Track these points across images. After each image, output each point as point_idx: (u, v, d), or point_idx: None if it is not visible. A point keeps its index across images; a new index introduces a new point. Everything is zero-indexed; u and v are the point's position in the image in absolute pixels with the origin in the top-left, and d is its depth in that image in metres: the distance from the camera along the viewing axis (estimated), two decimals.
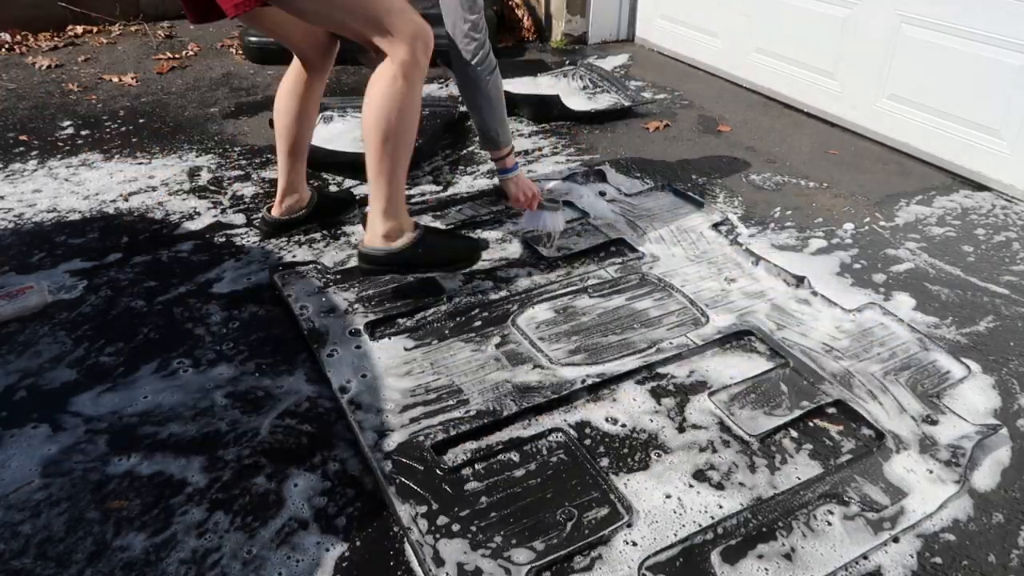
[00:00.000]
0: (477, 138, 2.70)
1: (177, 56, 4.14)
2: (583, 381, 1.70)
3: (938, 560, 1.33)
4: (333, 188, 2.65)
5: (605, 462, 1.51)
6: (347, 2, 1.70)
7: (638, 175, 2.80)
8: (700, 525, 1.37)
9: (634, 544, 1.33)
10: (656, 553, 1.31)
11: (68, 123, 3.20)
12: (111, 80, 3.73)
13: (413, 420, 1.59)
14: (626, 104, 3.39)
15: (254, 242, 2.30)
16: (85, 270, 2.15)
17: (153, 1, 4.84)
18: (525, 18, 4.54)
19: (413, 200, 2.56)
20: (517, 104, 3.27)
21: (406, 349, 1.82)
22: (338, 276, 2.10)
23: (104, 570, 1.29)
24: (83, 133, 3.10)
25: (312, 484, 1.46)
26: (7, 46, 4.22)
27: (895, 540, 1.36)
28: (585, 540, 1.33)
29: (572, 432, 1.58)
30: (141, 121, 3.24)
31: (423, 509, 1.39)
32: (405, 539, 1.35)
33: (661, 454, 1.53)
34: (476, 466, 1.49)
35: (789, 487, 1.46)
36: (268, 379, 1.74)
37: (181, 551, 1.32)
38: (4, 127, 3.14)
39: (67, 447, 1.53)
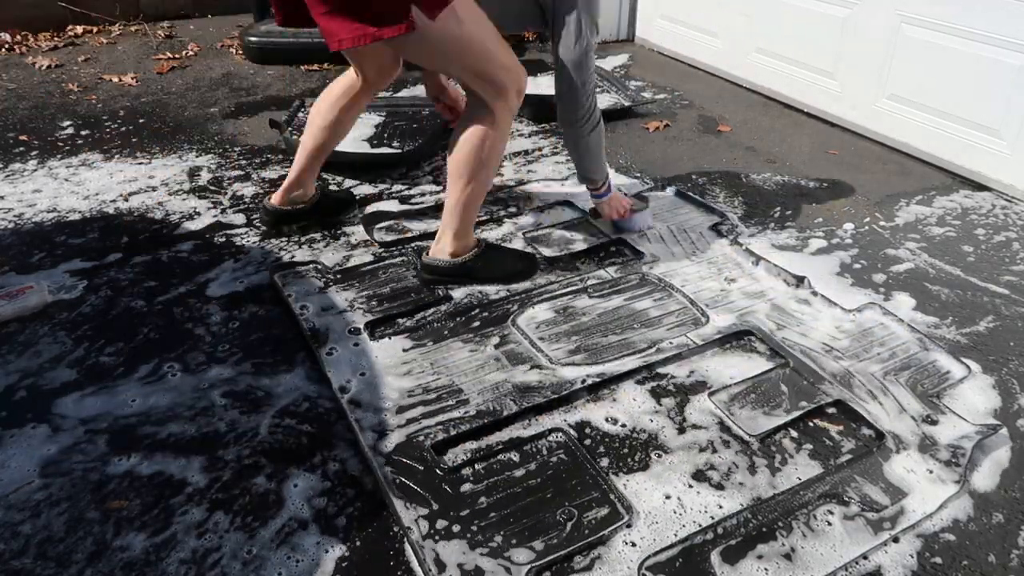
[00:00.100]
0: None
1: (177, 56, 4.14)
2: (583, 381, 1.70)
3: (938, 560, 1.33)
4: (333, 188, 2.65)
5: (605, 462, 1.51)
6: (451, 50, 1.74)
7: (638, 175, 2.80)
8: (700, 525, 1.37)
9: (634, 544, 1.33)
10: (656, 553, 1.31)
11: (68, 123, 3.20)
12: (111, 80, 3.73)
13: (413, 420, 1.59)
14: (626, 104, 3.39)
15: (254, 242, 2.30)
16: (85, 270, 2.15)
17: (153, 1, 4.84)
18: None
19: (413, 200, 2.56)
20: None
21: (405, 349, 1.82)
22: (338, 276, 2.10)
23: (104, 570, 1.29)
24: (83, 133, 3.10)
25: (312, 484, 1.46)
26: (7, 46, 4.22)
27: (895, 540, 1.36)
28: (585, 540, 1.33)
29: (572, 432, 1.58)
30: (141, 121, 3.24)
31: (423, 509, 1.39)
32: (405, 539, 1.35)
33: (661, 454, 1.53)
34: (476, 466, 1.49)
35: (789, 487, 1.45)
36: (268, 379, 1.74)
37: (181, 551, 1.32)
38: (4, 127, 3.14)
39: (67, 447, 1.53)
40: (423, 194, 2.61)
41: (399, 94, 3.63)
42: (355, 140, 2.93)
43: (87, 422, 1.60)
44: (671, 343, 1.83)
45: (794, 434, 1.59)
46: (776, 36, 3.51)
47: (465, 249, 2.02)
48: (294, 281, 2.06)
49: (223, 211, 2.49)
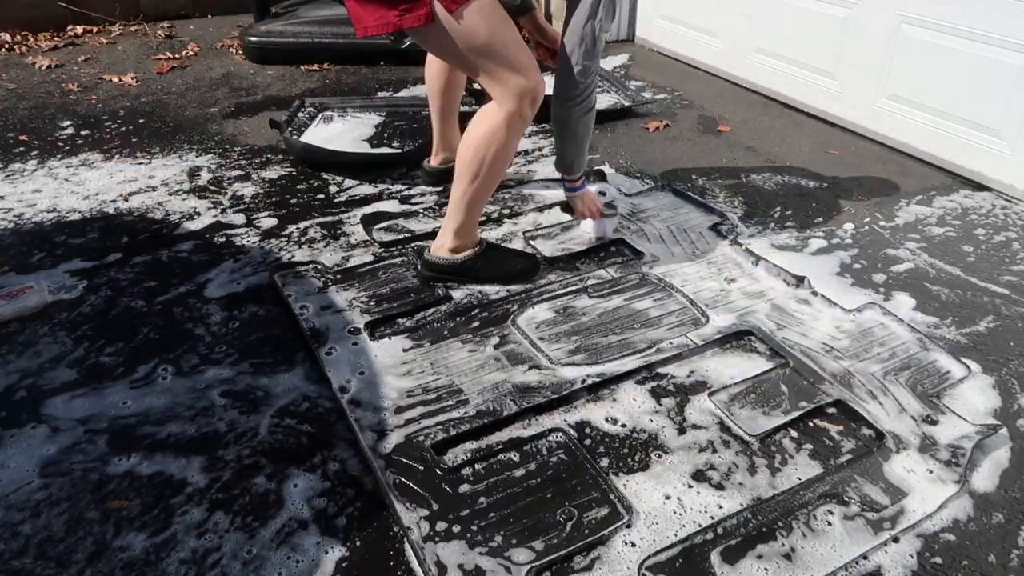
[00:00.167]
0: None
1: (177, 56, 4.14)
2: (583, 381, 1.70)
3: (938, 560, 1.33)
4: (333, 188, 2.65)
5: (605, 462, 1.51)
6: (468, 46, 1.75)
7: (638, 175, 2.80)
8: (700, 525, 1.37)
9: (634, 544, 1.33)
10: (656, 553, 1.31)
11: (68, 123, 3.20)
12: (111, 80, 3.73)
13: (413, 420, 1.59)
14: (626, 104, 3.39)
15: (254, 242, 2.30)
16: (85, 270, 2.15)
17: (153, 1, 4.84)
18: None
19: (413, 200, 2.56)
20: None
21: (405, 349, 1.82)
22: (338, 276, 2.10)
23: (104, 570, 1.29)
24: (83, 133, 3.10)
25: (312, 484, 1.46)
26: (7, 46, 4.22)
27: (895, 540, 1.36)
28: (585, 540, 1.33)
29: (572, 432, 1.58)
30: (141, 121, 3.24)
31: (423, 509, 1.39)
32: (405, 539, 1.35)
33: (661, 454, 1.53)
34: (476, 466, 1.49)
35: (789, 487, 1.45)
36: (268, 379, 1.74)
37: (181, 551, 1.32)
38: (4, 127, 3.14)
39: (66, 447, 1.53)
40: (423, 194, 2.61)
41: (399, 94, 3.63)
42: (355, 140, 2.93)
43: (87, 422, 1.60)
44: (671, 343, 1.83)
45: (794, 434, 1.59)
46: (776, 36, 3.51)
47: (466, 247, 2.02)
48: (294, 281, 2.06)
49: (223, 211, 2.49)
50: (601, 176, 2.73)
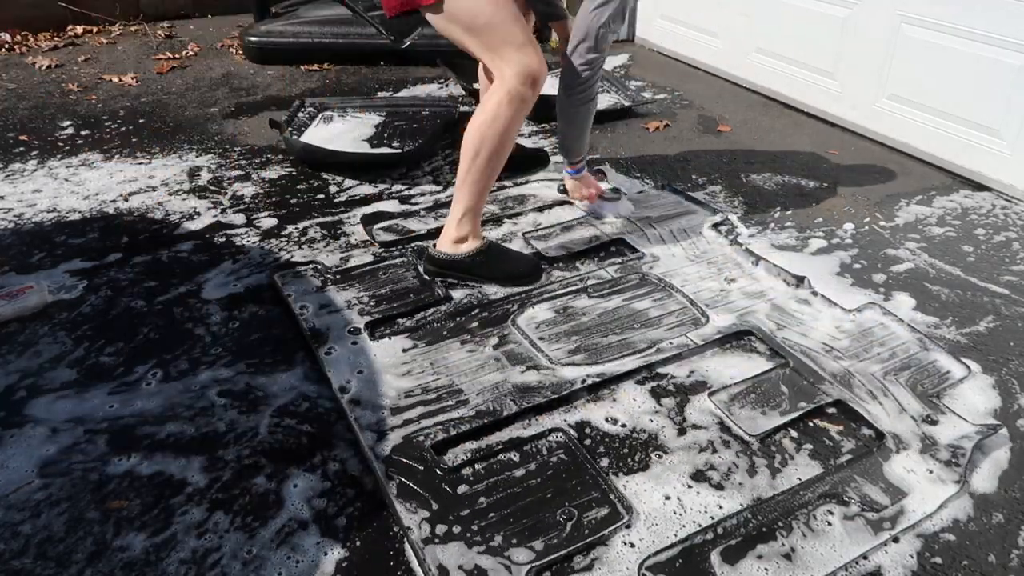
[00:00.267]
0: None
1: (177, 56, 4.14)
2: (583, 381, 1.70)
3: (938, 560, 1.33)
4: (333, 188, 2.65)
5: (605, 462, 1.51)
6: (471, 27, 1.83)
7: (638, 175, 2.80)
8: (700, 525, 1.37)
9: (633, 545, 1.33)
10: (656, 553, 1.31)
11: (68, 123, 3.20)
12: (111, 80, 3.73)
13: (413, 420, 1.59)
14: (626, 104, 3.39)
15: (254, 242, 2.30)
16: (85, 270, 2.15)
17: (153, 1, 4.84)
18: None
19: (413, 200, 2.56)
20: None
21: (405, 349, 1.82)
22: (337, 276, 2.10)
23: (104, 570, 1.29)
24: (83, 133, 3.10)
25: (312, 484, 1.46)
26: (7, 46, 4.22)
27: (895, 540, 1.36)
28: (585, 540, 1.33)
29: (572, 432, 1.58)
30: (141, 121, 3.24)
31: (423, 509, 1.39)
32: (405, 539, 1.35)
33: (661, 454, 1.53)
34: (476, 466, 1.49)
35: (789, 487, 1.45)
36: (267, 379, 1.74)
37: (181, 551, 1.32)
38: (4, 127, 3.14)
39: (66, 447, 1.53)
40: (423, 194, 2.61)
41: (399, 94, 3.63)
42: (355, 140, 2.93)
43: (86, 422, 1.60)
44: (671, 343, 1.83)
45: (794, 434, 1.59)
46: (776, 36, 3.51)
47: (469, 240, 2.02)
48: (294, 281, 2.06)
49: (223, 211, 2.49)
50: (602, 176, 2.73)
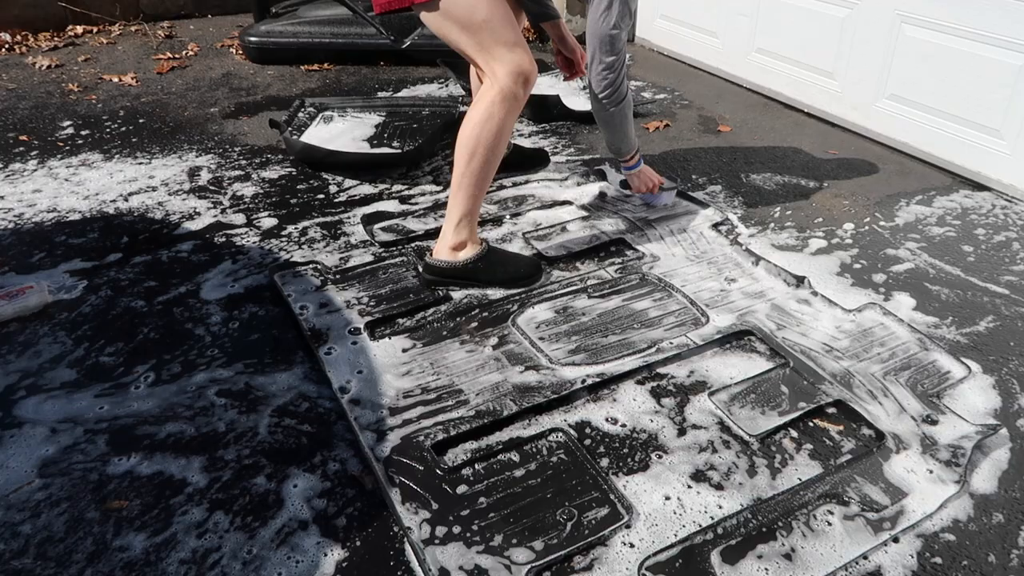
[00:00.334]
0: None
1: (177, 56, 4.14)
2: (583, 381, 1.70)
3: (938, 560, 1.33)
4: (333, 188, 2.65)
5: (605, 462, 1.51)
6: (467, 25, 1.83)
7: None
8: (700, 525, 1.37)
9: (633, 545, 1.33)
10: (656, 553, 1.31)
11: (68, 123, 3.20)
12: (111, 80, 3.73)
13: (413, 420, 1.59)
14: None
15: (254, 242, 2.30)
16: (85, 270, 2.15)
17: (153, 1, 4.84)
18: (525, 18, 4.54)
19: (413, 200, 2.56)
20: None
21: (405, 349, 1.82)
22: (337, 276, 2.10)
23: (104, 570, 1.29)
24: (83, 133, 3.10)
25: (312, 484, 1.46)
26: (7, 46, 4.22)
27: (895, 540, 1.36)
28: (585, 540, 1.33)
29: (572, 432, 1.58)
30: (141, 121, 3.24)
31: (423, 509, 1.39)
32: (405, 539, 1.35)
33: (661, 454, 1.53)
34: (476, 466, 1.49)
35: (789, 487, 1.45)
36: (267, 379, 1.74)
37: (181, 551, 1.32)
38: (4, 127, 3.14)
39: (66, 447, 1.53)
40: (423, 194, 2.61)
41: (399, 94, 3.63)
42: (355, 140, 2.93)
43: (86, 422, 1.60)
44: (671, 343, 1.83)
45: (794, 434, 1.59)
46: (776, 36, 3.51)
47: (467, 246, 2.00)
48: (294, 281, 2.06)
49: (223, 211, 2.49)
50: (602, 176, 2.73)
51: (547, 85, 3.63)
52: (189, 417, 1.62)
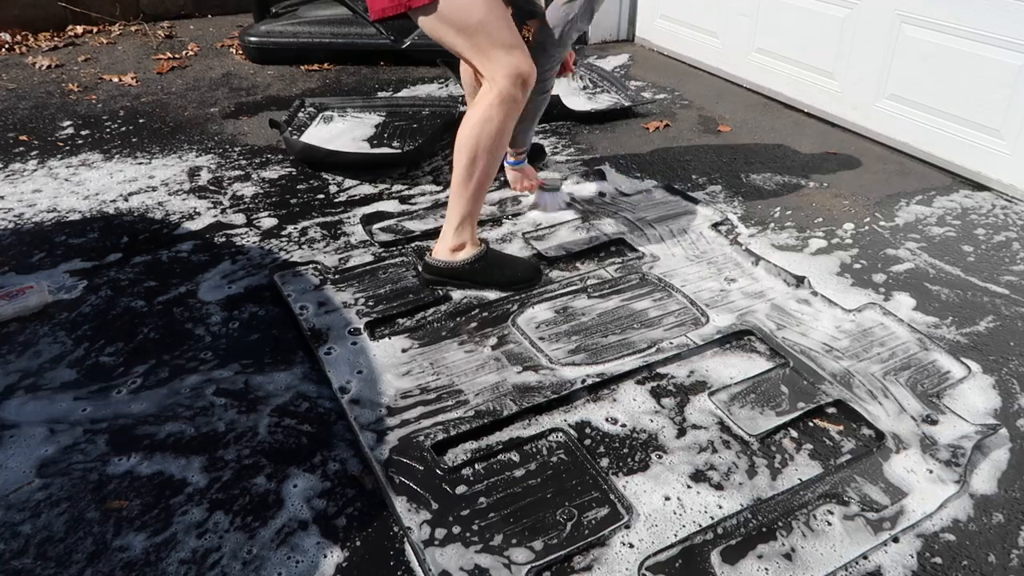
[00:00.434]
0: None
1: (177, 56, 4.14)
2: (583, 381, 1.70)
3: (938, 560, 1.33)
4: (333, 188, 2.65)
5: (605, 462, 1.51)
6: (464, 28, 1.82)
7: (638, 175, 2.80)
8: (700, 525, 1.37)
9: (633, 545, 1.33)
10: (656, 553, 1.31)
11: (68, 123, 3.20)
12: (111, 80, 3.73)
13: (413, 420, 1.59)
14: (626, 104, 3.39)
15: (254, 242, 2.30)
16: (85, 270, 2.15)
17: (153, 1, 4.84)
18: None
19: (413, 199, 2.56)
20: None
21: (405, 349, 1.82)
22: (337, 276, 2.10)
23: (104, 570, 1.29)
24: (83, 133, 3.10)
25: (312, 484, 1.46)
26: (7, 46, 4.22)
27: (895, 540, 1.36)
28: (585, 540, 1.33)
29: (572, 432, 1.58)
30: (141, 121, 3.24)
31: (423, 509, 1.39)
32: (405, 539, 1.35)
33: (661, 454, 1.53)
34: (476, 466, 1.49)
35: (789, 487, 1.45)
36: (267, 379, 1.74)
37: (181, 551, 1.32)
38: (4, 127, 3.14)
39: (66, 447, 1.53)
40: (423, 194, 2.61)
41: (399, 94, 3.63)
42: (355, 140, 2.93)
43: (85, 422, 1.60)
44: (671, 343, 1.83)
45: (794, 434, 1.59)
46: (776, 36, 3.51)
47: (466, 247, 2.00)
48: (294, 281, 2.06)
49: (223, 211, 2.49)
50: (601, 176, 2.73)
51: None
52: (189, 417, 1.62)
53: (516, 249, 2.25)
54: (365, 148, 2.88)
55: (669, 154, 3.00)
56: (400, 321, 1.93)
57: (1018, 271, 2.21)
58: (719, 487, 1.46)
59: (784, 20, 3.43)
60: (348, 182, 2.70)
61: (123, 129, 3.15)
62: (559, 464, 1.50)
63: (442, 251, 2.01)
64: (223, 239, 2.32)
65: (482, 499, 1.42)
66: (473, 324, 1.91)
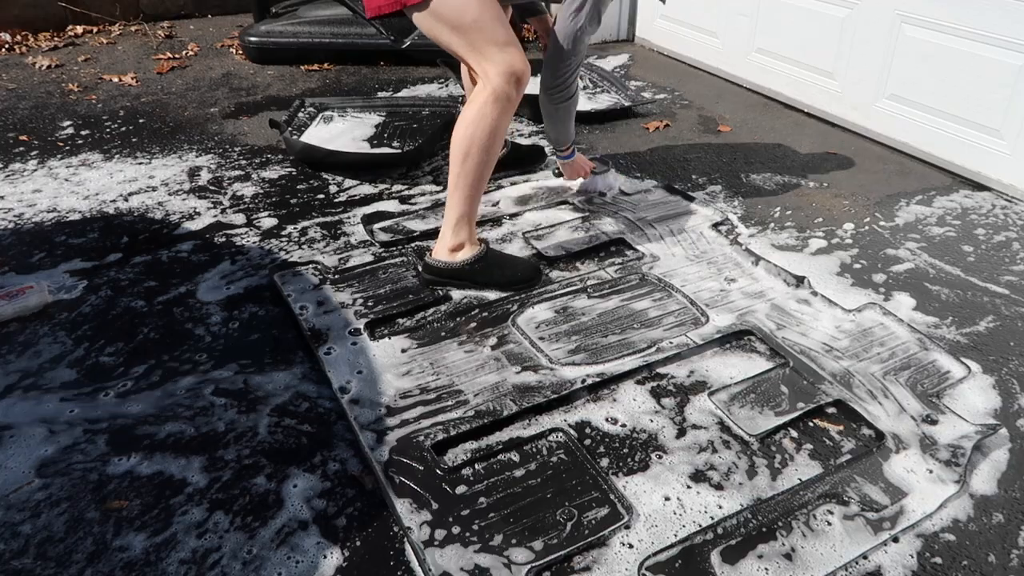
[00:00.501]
0: None
1: (177, 56, 4.14)
2: (583, 381, 1.70)
3: (938, 560, 1.33)
4: (333, 188, 2.65)
5: (605, 462, 1.51)
6: (458, 25, 1.83)
7: (638, 175, 2.80)
8: (700, 525, 1.37)
9: (633, 545, 1.33)
10: (656, 553, 1.31)
11: (68, 123, 3.20)
12: (111, 80, 3.73)
13: (413, 420, 1.59)
14: (626, 104, 3.39)
15: (254, 242, 2.30)
16: (85, 270, 2.15)
17: (153, 1, 4.84)
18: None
19: (413, 199, 2.56)
20: None
21: (405, 349, 1.82)
22: (337, 276, 2.10)
23: (104, 570, 1.29)
24: (83, 133, 3.10)
25: (312, 484, 1.46)
26: (7, 46, 4.22)
27: (895, 540, 1.36)
28: (585, 540, 1.33)
29: (572, 432, 1.58)
30: (141, 121, 3.24)
31: (423, 509, 1.39)
32: (405, 539, 1.35)
33: (661, 454, 1.53)
34: (476, 466, 1.49)
35: (789, 487, 1.45)
36: (267, 379, 1.74)
37: (181, 551, 1.32)
38: (4, 127, 3.14)
39: (66, 447, 1.53)
40: (423, 194, 2.61)
41: (399, 94, 3.63)
42: (355, 140, 2.93)
43: (85, 422, 1.60)
44: (671, 343, 1.83)
45: (794, 434, 1.59)
46: (776, 36, 3.51)
47: (465, 247, 2.00)
48: (293, 281, 2.06)
49: (223, 211, 2.49)
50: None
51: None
52: (189, 417, 1.62)
53: (516, 249, 2.25)
54: (365, 148, 2.88)
55: (669, 154, 3.00)
56: (400, 321, 1.93)
57: (1018, 271, 2.21)
58: (719, 487, 1.46)
59: (784, 20, 3.44)
60: (348, 182, 2.70)
61: (123, 129, 3.15)
62: (559, 464, 1.50)
63: (441, 251, 2.01)
64: (223, 239, 2.32)
65: (482, 499, 1.42)
66: (473, 324, 1.91)
